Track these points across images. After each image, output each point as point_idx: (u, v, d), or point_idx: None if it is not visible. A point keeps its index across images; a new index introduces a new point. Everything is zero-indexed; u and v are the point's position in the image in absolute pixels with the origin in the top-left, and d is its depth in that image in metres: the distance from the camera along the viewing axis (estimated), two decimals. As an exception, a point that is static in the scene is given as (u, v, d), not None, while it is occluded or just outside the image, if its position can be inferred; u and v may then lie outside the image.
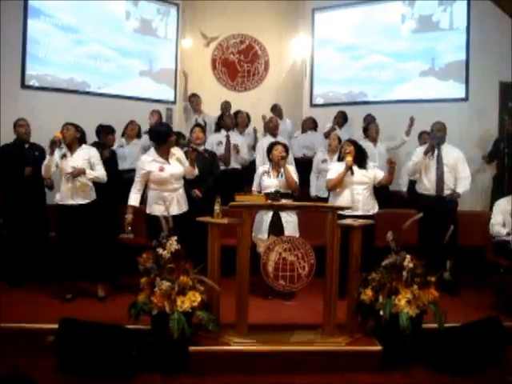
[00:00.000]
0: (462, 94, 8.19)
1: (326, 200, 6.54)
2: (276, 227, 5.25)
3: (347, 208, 4.82)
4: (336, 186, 5.46)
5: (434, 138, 5.73)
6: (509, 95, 7.63)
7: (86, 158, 5.21)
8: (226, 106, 8.50)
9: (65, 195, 5.13)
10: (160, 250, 3.99)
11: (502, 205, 5.65)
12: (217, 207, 4.41)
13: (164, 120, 8.06)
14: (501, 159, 7.19)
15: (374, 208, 5.50)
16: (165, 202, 4.92)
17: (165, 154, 5.06)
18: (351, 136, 7.93)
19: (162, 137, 5.05)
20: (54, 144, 4.93)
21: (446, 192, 5.70)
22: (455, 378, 3.96)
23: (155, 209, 4.98)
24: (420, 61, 8.69)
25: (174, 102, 9.33)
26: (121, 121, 7.21)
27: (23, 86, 7.65)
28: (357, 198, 5.37)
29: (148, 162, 5.02)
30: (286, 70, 10.05)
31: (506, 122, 7.18)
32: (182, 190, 5.20)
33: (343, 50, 9.46)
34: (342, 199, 5.41)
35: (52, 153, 4.98)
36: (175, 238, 4.04)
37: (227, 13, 9.70)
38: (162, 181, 5.01)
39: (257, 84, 10.17)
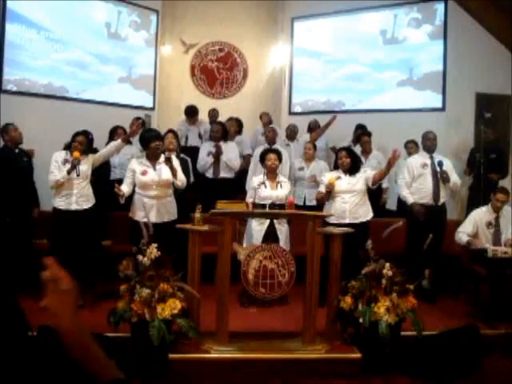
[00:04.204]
0: (439, 104, 8.30)
1: (302, 208, 6.56)
2: (271, 238, 5.15)
3: (327, 216, 4.83)
4: (323, 201, 5.42)
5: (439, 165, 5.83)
6: (484, 106, 7.77)
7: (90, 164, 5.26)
8: (213, 113, 8.42)
9: (68, 201, 5.12)
10: (140, 257, 3.97)
11: (476, 216, 5.64)
12: (198, 214, 4.41)
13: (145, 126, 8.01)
14: (476, 169, 7.28)
15: (365, 215, 5.38)
16: (144, 209, 4.92)
17: (152, 159, 5.11)
18: (328, 143, 8.05)
19: (143, 141, 5.19)
20: (75, 166, 5.01)
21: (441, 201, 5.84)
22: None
23: (137, 214, 5.01)
24: (398, 71, 8.79)
25: (152, 109, 9.27)
26: (99, 127, 7.09)
27: (0, 90, 7.53)
28: (343, 206, 5.30)
29: (135, 163, 5.12)
30: (264, 78, 10.07)
31: (483, 132, 7.27)
32: (167, 199, 5.18)
33: (322, 59, 9.52)
34: (329, 209, 5.32)
35: (70, 173, 5.03)
36: (155, 245, 4.02)
37: (207, 20, 9.69)
38: (144, 185, 5.05)
39: (235, 92, 10.15)
